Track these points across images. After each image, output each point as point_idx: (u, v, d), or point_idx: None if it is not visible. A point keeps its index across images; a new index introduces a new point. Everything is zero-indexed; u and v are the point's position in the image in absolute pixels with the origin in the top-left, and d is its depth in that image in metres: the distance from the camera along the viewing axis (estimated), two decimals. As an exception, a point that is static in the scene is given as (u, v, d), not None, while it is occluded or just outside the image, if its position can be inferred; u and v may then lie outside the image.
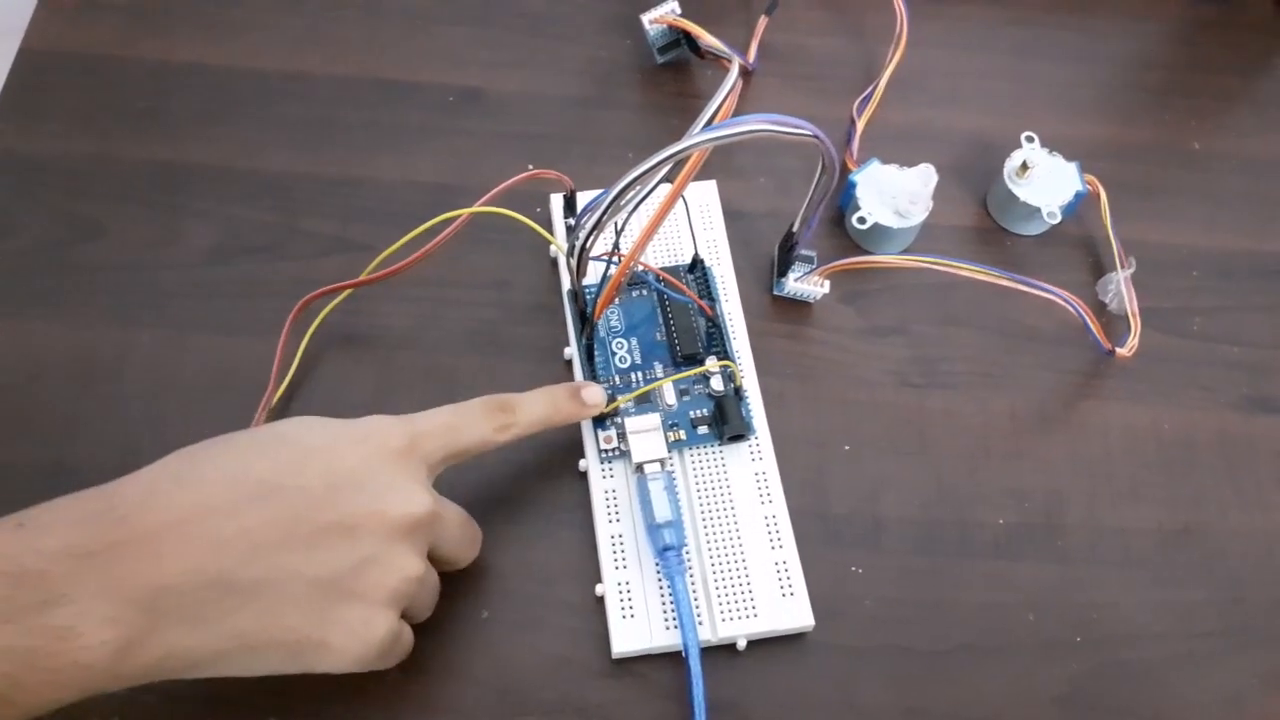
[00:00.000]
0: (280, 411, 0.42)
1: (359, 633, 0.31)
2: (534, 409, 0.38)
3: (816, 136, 0.37)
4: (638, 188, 0.40)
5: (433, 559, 0.35)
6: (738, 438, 0.41)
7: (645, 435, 0.40)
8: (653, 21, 0.49)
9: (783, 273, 0.45)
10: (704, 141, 0.36)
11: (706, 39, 0.49)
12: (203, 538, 0.29)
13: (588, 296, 0.43)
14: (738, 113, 0.37)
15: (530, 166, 0.48)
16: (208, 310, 0.44)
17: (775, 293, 0.46)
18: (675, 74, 0.52)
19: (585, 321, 0.41)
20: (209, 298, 0.44)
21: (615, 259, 0.40)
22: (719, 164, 0.49)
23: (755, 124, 0.36)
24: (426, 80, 0.50)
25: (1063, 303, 0.43)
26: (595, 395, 0.40)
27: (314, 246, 0.46)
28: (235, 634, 0.30)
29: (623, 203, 0.40)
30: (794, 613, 0.38)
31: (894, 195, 0.46)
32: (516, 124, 0.50)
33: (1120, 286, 0.46)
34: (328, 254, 0.46)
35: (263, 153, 0.48)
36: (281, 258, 0.46)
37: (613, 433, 0.41)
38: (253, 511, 0.30)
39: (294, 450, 0.32)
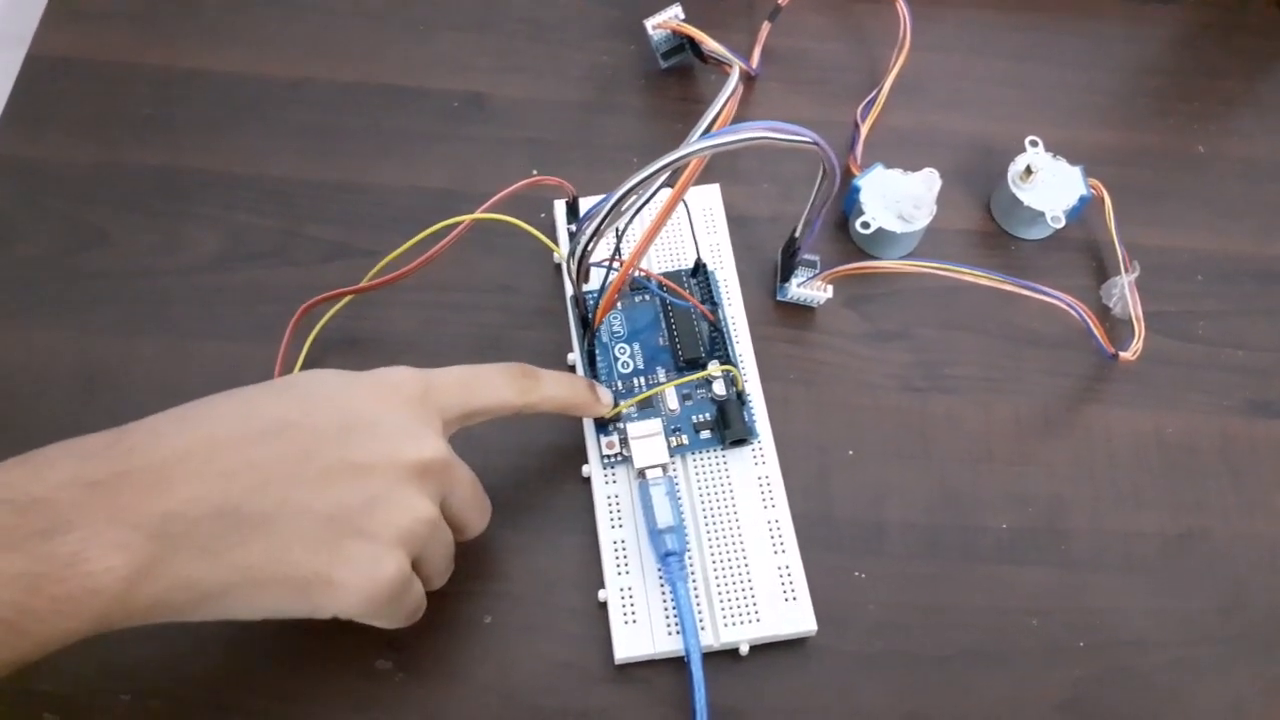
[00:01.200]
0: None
1: (367, 571, 0.31)
2: (556, 388, 0.38)
3: (816, 143, 0.37)
4: (638, 194, 0.40)
5: (444, 518, 0.34)
6: (740, 442, 0.41)
7: (647, 440, 0.40)
8: (656, 27, 0.49)
9: (786, 278, 0.45)
10: (702, 149, 0.36)
11: (709, 44, 0.49)
12: (211, 469, 0.29)
13: (590, 302, 0.43)
14: (740, 118, 0.37)
15: (534, 172, 0.48)
16: (211, 317, 0.44)
17: (778, 298, 0.46)
18: (679, 79, 0.52)
19: (587, 327, 0.41)
20: (212, 304, 0.45)
21: (616, 265, 0.40)
22: (722, 168, 0.49)
23: (754, 131, 0.36)
24: (430, 86, 0.51)
25: (1066, 307, 0.43)
26: (607, 397, 0.40)
27: (317, 252, 0.46)
28: (242, 567, 0.29)
29: (623, 209, 0.41)
30: (796, 618, 0.38)
31: (898, 200, 0.46)
32: (520, 129, 0.50)
33: (1125, 290, 0.46)
34: (331, 260, 0.46)
35: (266, 159, 0.48)
36: (285, 264, 0.46)
37: (615, 438, 0.41)
38: (263, 446, 0.30)
39: (307, 393, 0.32)
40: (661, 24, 0.49)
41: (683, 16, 0.49)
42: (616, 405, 0.41)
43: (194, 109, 0.49)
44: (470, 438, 0.42)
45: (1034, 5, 0.56)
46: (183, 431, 0.30)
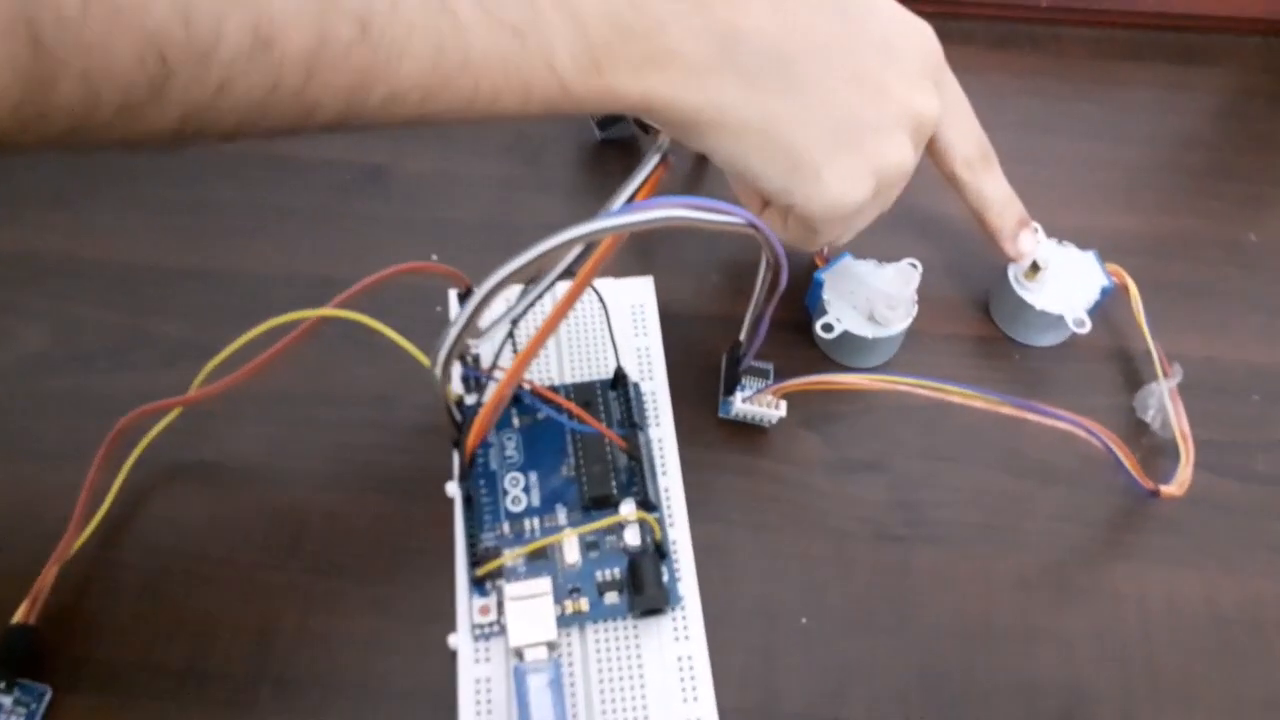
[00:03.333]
0: (84, 561, 0.33)
1: (847, 183, 0.32)
2: (997, 186, 0.38)
3: (751, 224, 0.29)
4: (532, 285, 0.32)
5: None
6: (654, 611, 0.31)
7: (529, 605, 0.30)
8: (586, 88, 0.42)
9: (730, 390, 0.36)
10: (601, 229, 0.28)
11: (647, 108, 0.41)
12: (780, 15, 0.30)
13: (469, 416, 0.34)
14: (692, 195, 0.29)
15: (434, 257, 0.40)
16: (17, 430, 0.36)
17: (721, 414, 0.37)
18: (619, 152, 0.44)
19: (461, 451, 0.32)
20: (20, 415, 0.36)
21: (497, 374, 0.31)
22: (660, 256, 0.40)
23: (672, 209, 0.28)
24: (321, 157, 0.43)
25: (1084, 434, 0.33)
26: (1029, 244, 0.38)
27: (159, 353, 0.38)
28: (766, 113, 0.30)
29: (522, 301, 0.33)
30: None
31: (869, 298, 0.37)
32: (425, 209, 0.42)
33: (1164, 400, 0.36)
34: (174, 362, 0.37)
35: (116, 239, 0.40)
36: (119, 366, 0.38)
37: (492, 601, 0.32)
38: (825, 22, 0.31)
39: (870, 5, 0.33)
40: (591, 84, 0.41)
41: (619, 77, 0.41)
42: (498, 556, 0.32)
43: (39, 175, 0.42)
44: (316, 592, 0.33)
45: (1046, 69, 0.48)
46: None
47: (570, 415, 0.33)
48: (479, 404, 0.34)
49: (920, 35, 0.34)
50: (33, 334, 0.38)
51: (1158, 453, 0.36)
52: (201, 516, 0.35)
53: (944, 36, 0.47)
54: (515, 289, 0.36)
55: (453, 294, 0.38)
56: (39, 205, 0.41)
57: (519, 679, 0.29)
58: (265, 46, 0.24)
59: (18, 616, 0.32)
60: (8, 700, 0.31)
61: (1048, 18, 0.49)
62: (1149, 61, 0.48)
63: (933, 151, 0.37)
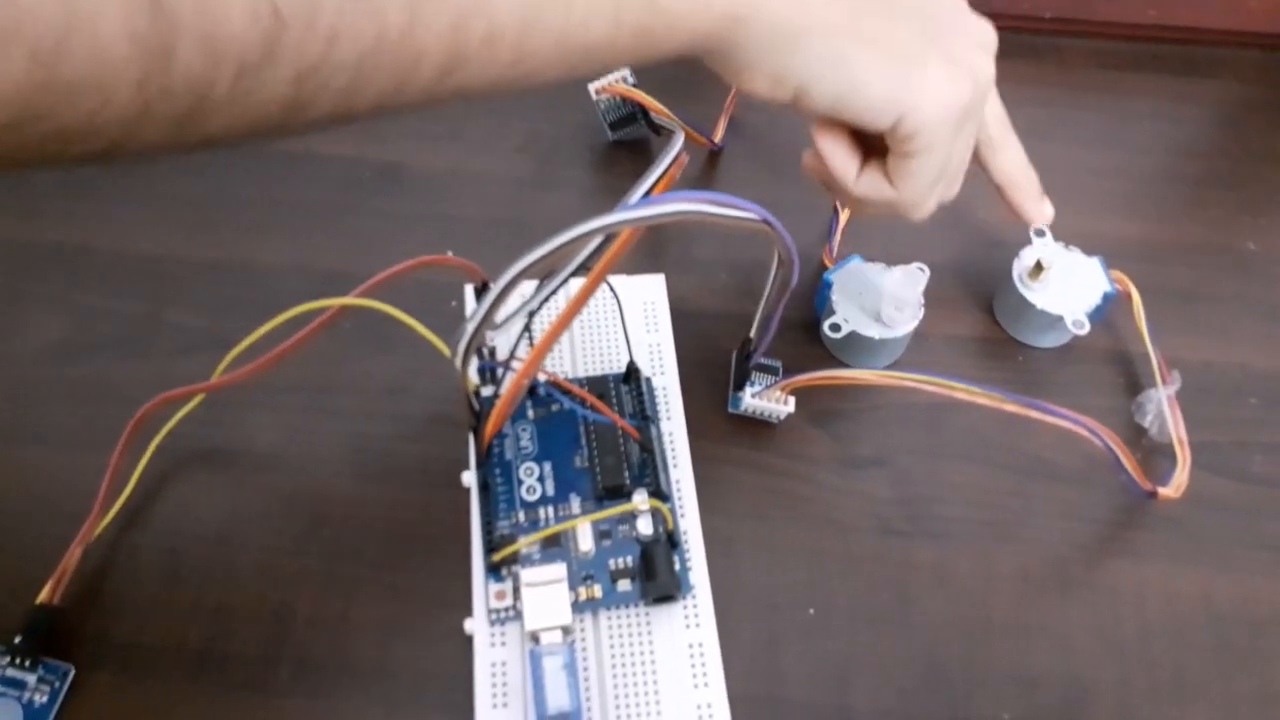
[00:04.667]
0: (107, 544, 0.34)
1: (951, 79, 0.31)
2: (1017, 158, 0.37)
3: (765, 221, 0.29)
4: (547, 277, 0.33)
5: None
6: (667, 598, 0.32)
7: (545, 591, 0.31)
8: (600, 91, 0.42)
9: (740, 385, 0.37)
10: (618, 222, 0.28)
11: (659, 111, 0.42)
12: None
13: (487, 406, 0.35)
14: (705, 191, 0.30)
15: (449, 252, 0.41)
16: (38, 418, 0.37)
17: (731, 409, 0.38)
18: (629, 152, 0.45)
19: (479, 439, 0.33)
20: (43, 402, 0.37)
21: (515, 365, 0.32)
22: (671, 255, 0.41)
23: (685, 203, 0.29)
24: (340, 153, 0.44)
25: (1086, 433, 0.34)
26: (1048, 212, 0.38)
27: (177, 342, 0.38)
28: (860, 10, 0.29)
29: (538, 295, 0.33)
30: (724, 845, 0.29)
31: (876, 299, 0.37)
32: (439, 204, 0.43)
33: (1162, 406, 0.37)
34: (191, 351, 0.38)
35: (134, 232, 0.41)
36: (138, 355, 0.38)
37: (508, 586, 0.32)
38: None
39: None
40: (605, 88, 0.42)
41: (632, 81, 0.42)
42: (512, 543, 0.32)
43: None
44: (333, 578, 0.34)
45: (1049, 79, 0.48)
46: None
47: (585, 404, 0.34)
48: (495, 395, 0.35)
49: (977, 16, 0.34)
50: (53, 323, 0.39)
51: (1156, 453, 0.37)
52: (221, 502, 0.35)
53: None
54: (530, 283, 0.36)
55: (468, 288, 0.39)
56: (58, 197, 0.42)
57: (534, 662, 0.30)
58: None
59: (42, 597, 0.32)
60: (32, 678, 0.31)
61: (1051, 28, 0.50)
62: (1150, 73, 0.49)
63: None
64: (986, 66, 0.32)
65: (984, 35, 0.33)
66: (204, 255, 0.41)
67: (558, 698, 0.29)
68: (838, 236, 0.41)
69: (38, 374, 0.37)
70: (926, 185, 0.32)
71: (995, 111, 0.36)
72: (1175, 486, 0.36)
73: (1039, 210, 0.38)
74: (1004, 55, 0.49)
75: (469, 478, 0.35)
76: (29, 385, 0.37)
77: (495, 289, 0.28)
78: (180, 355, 0.38)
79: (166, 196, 0.42)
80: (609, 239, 0.31)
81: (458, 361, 0.30)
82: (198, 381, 0.35)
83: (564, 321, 0.31)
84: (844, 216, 0.42)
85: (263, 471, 0.36)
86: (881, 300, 0.37)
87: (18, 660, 0.31)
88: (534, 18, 0.26)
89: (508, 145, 0.45)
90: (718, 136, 0.44)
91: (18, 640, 0.32)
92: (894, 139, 0.31)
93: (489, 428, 0.31)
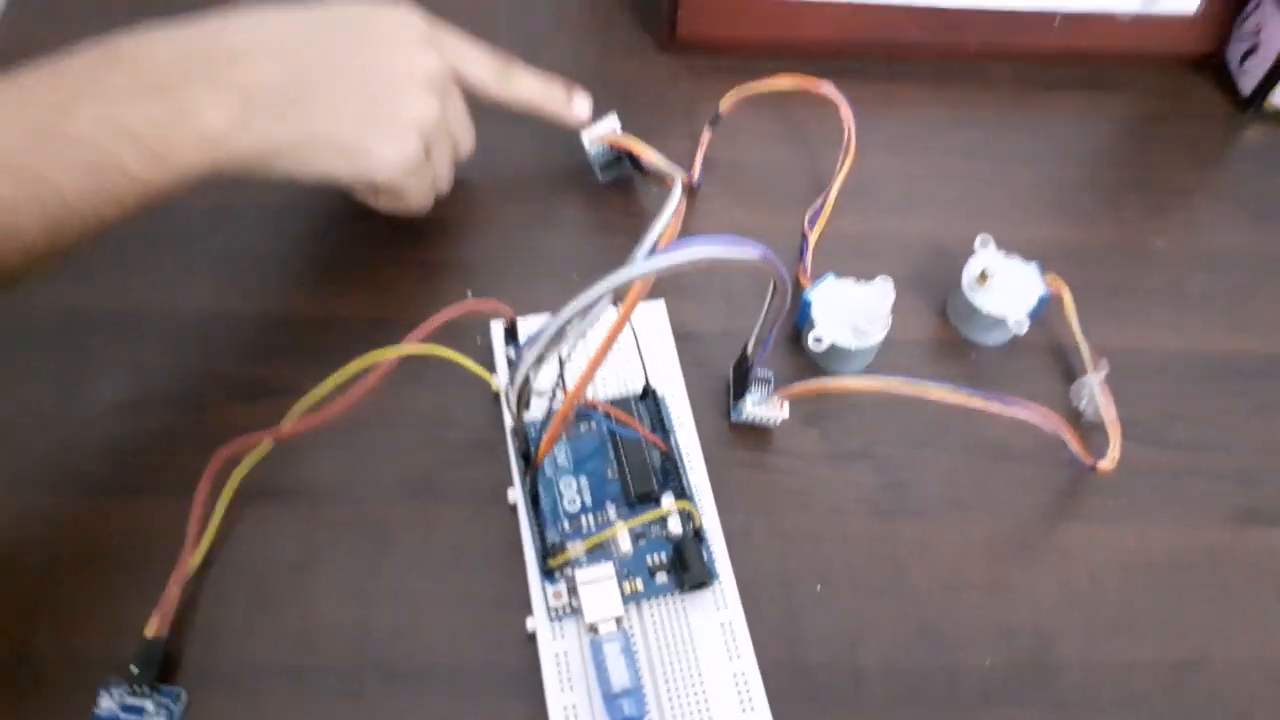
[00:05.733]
0: (198, 579, 0.38)
1: (395, 145, 0.40)
2: (530, 82, 0.46)
3: (767, 259, 0.35)
4: (581, 318, 0.38)
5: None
6: (700, 585, 0.38)
7: (599, 587, 0.36)
8: (594, 141, 0.47)
9: (739, 397, 0.42)
10: (648, 272, 0.33)
11: (649, 157, 0.47)
12: (280, 54, 0.38)
13: (531, 434, 0.40)
14: (684, 230, 0.35)
15: (469, 293, 0.46)
16: (115, 470, 0.40)
17: (732, 418, 0.43)
18: (619, 191, 0.50)
19: (528, 462, 0.38)
20: (117, 455, 0.41)
21: (559, 393, 0.37)
22: (668, 283, 0.46)
23: (702, 250, 0.33)
24: (355, 208, 0.48)
25: (1037, 420, 0.40)
26: (584, 106, 0.47)
27: (233, 393, 0.43)
28: (305, 129, 0.38)
29: (565, 333, 0.38)
30: (770, 786, 0.34)
31: (851, 312, 0.43)
32: (453, 250, 0.47)
33: (1094, 391, 0.43)
34: (249, 400, 0.42)
35: (176, 291, 0.45)
36: (197, 407, 0.42)
37: (563, 587, 0.37)
38: (317, 44, 0.39)
39: (342, 10, 0.40)
40: (599, 138, 0.47)
41: (620, 129, 0.47)
42: (564, 551, 0.37)
43: (105, 241, 0.46)
44: (403, 592, 0.38)
45: (979, 101, 0.55)
46: (254, 26, 0.38)
47: (617, 422, 0.39)
48: (536, 421, 0.40)
49: (394, 14, 0.41)
50: (115, 383, 0.42)
51: (1093, 431, 0.44)
52: (296, 533, 0.39)
53: (888, 76, 0.54)
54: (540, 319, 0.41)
55: (495, 325, 0.44)
56: (106, 266, 0.45)
57: (595, 650, 0.35)
58: None
59: (150, 630, 0.36)
60: (150, 704, 0.36)
61: (977, 54, 0.56)
62: (1066, 90, 0.55)
63: (472, 91, 0.44)
64: (423, 106, 0.41)
65: (416, 73, 0.40)
66: (245, 309, 0.45)
67: (619, 677, 0.35)
68: (809, 257, 0.47)
69: (114, 429, 0.41)
70: (413, 205, 0.44)
71: (478, 68, 0.44)
72: (1110, 459, 0.42)
73: (572, 111, 0.46)
74: (937, 81, 0.56)
75: (514, 494, 0.40)
76: (109, 440, 0.41)
77: (545, 335, 0.33)
78: (235, 405, 0.42)
79: (202, 255, 0.46)
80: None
81: (513, 398, 0.35)
82: (256, 426, 0.40)
83: (601, 354, 0.36)
84: (812, 240, 0.47)
85: (329, 503, 0.40)
86: (855, 314, 0.43)
87: (135, 689, 0.36)
88: (60, 230, 0.35)
89: (506, 190, 0.49)
90: (695, 175, 0.50)
91: (134, 670, 0.36)
92: (373, 192, 0.43)
93: (542, 449, 0.36)
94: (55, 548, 0.39)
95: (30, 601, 0.37)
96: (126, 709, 0.35)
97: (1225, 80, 0.56)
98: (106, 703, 0.35)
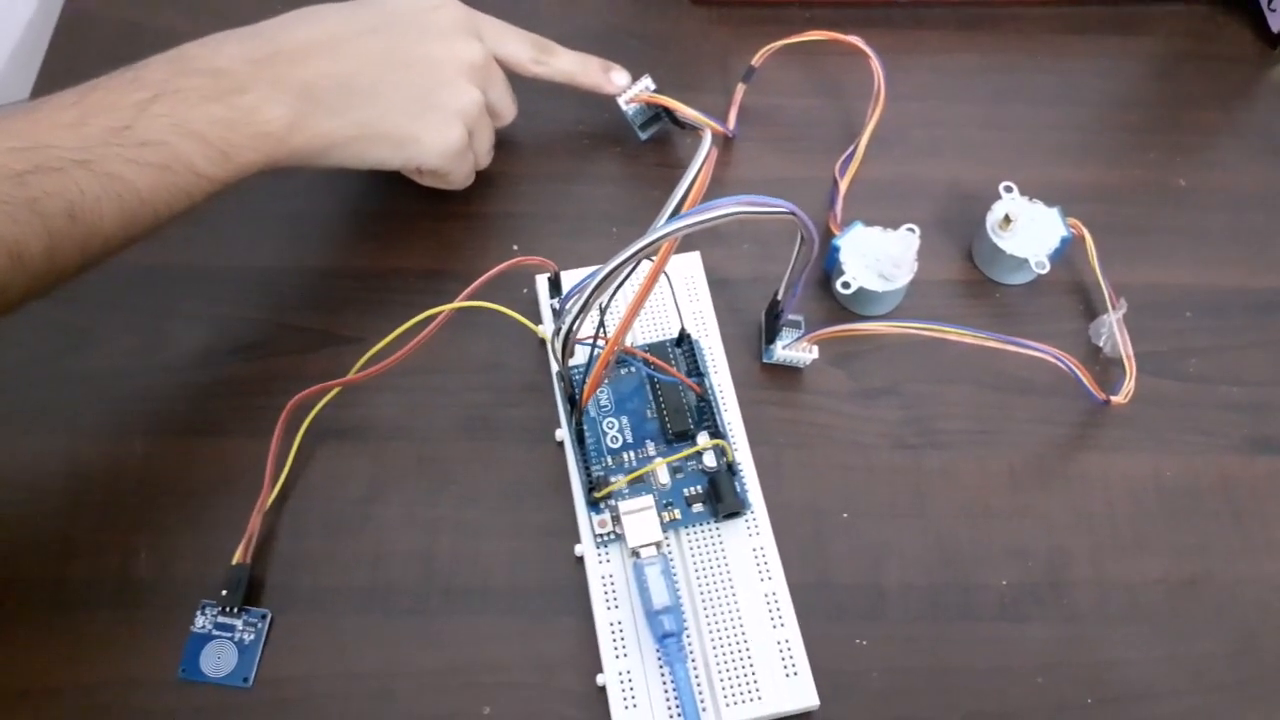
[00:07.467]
0: (277, 511, 0.42)
1: (441, 133, 0.44)
2: (567, 59, 0.49)
3: (793, 213, 0.37)
4: (619, 272, 0.40)
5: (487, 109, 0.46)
6: (733, 514, 0.41)
7: (639, 516, 0.40)
8: (629, 102, 0.50)
9: (770, 340, 0.45)
10: (678, 230, 0.36)
11: (684, 111, 0.49)
12: (335, 53, 0.41)
13: (575, 378, 0.43)
14: (718, 179, 0.37)
15: (515, 247, 0.48)
16: (200, 413, 0.44)
17: (764, 360, 0.46)
18: (657, 145, 0.52)
19: (574, 404, 0.41)
20: (201, 400, 0.45)
21: (600, 342, 0.40)
22: (701, 233, 0.49)
23: (731, 207, 0.36)
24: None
25: (1053, 360, 0.43)
26: (621, 79, 0.49)
27: (302, 342, 0.46)
28: (358, 123, 0.42)
29: (605, 286, 0.41)
30: (798, 693, 0.38)
31: (878, 259, 0.45)
32: (499, 204, 0.50)
33: (1113, 329, 0.45)
34: (316, 349, 0.46)
35: (248, 250, 0.48)
36: (270, 355, 0.46)
37: (607, 516, 0.41)
38: (367, 40, 0.42)
39: (390, 5, 0.43)
40: (634, 98, 0.49)
41: (654, 87, 0.50)
42: (608, 484, 0.41)
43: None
44: (463, 522, 0.42)
45: (1006, 46, 0.56)
46: (310, 26, 0.41)
47: (653, 367, 0.42)
48: (580, 365, 0.43)
49: (437, 6, 0.44)
50: (195, 334, 0.46)
51: (1111, 366, 0.46)
52: (363, 470, 0.43)
53: (917, 23, 0.56)
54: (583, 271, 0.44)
55: (540, 279, 0.47)
56: (184, 228, 0.48)
57: (638, 571, 0.39)
58: None
59: (236, 558, 0.40)
60: (239, 623, 0.40)
61: (1005, 0, 0.57)
62: (1093, 34, 0.56)
63: (515, 72, 0.47)
64: (466, 95, 0.44)
65: (459, 61, 0.44)
66: (310, 265, 0.48)
67: (660, 596, 0.38)
68: (839, 204, 0.49)
69: (197, 376, 0.45)
70: (459, 182, 0.47)
71: (518, 50, 0.47)
72: (1124, 394, 0.44)
73: (609, 81, 0.49)
74: (967, 28, 0.57)
75: (561, 433, 0.43)
76: (193, 387, 0.45)
77: (588, 287, 0.36)
78: (306, 354, 0.46)
79: (267, 216, 0.49)
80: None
81: (559, 346, 0.38)
82: (324, 375, 0.43)
83: (638, 304, 0.39)
84: (843, 187, 0.49)
85: (393, 442, 0.44)
86: (883, 259, 0.45)
87: (225, 609, 0.40)
88: (130, 227, 0.38)
89: (548, 148, 0.52)
90: (730, 125, 0.52)
91: (224, 593, 0.40)
92: (419, 173, 0.46)
93: (586, 393, 0.40)
94: (150, 486, 0.43)
95: (131, 533, 0.42)
96: (219, 627, 0.40)
97: (1257, 19, 0.56)
98: (201, 621, 0.40)
